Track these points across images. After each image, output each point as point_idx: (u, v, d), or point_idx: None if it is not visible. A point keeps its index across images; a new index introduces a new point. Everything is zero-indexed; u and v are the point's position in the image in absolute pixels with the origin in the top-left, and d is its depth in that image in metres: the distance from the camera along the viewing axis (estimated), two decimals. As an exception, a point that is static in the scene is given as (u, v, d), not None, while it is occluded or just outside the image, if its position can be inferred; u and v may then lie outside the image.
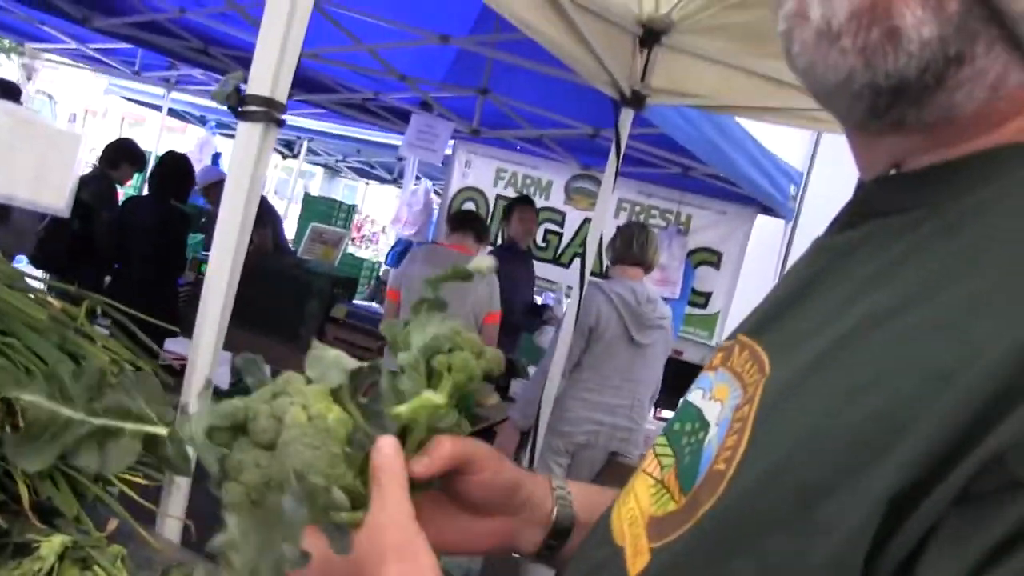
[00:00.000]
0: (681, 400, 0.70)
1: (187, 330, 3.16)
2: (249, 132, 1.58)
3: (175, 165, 5.12)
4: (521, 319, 5.23)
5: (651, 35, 3.35)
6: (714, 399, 0.63)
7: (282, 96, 1.62)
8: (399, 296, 4.29)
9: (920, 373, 0.45)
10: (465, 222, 4.40)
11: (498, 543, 0.80)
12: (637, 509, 0.64)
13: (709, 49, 3.36)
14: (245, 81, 1.63)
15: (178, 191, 5.05)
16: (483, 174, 7.22)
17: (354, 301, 6.07)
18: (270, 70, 1.58)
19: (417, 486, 0.69)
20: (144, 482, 1.54)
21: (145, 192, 5.20)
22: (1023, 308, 0.44)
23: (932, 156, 0.55)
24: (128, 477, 1.50)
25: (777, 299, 0.64)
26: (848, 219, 0.61)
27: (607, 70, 3.27)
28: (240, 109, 1.54)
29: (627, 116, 3.50)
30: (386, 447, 0.66)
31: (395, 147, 7.89)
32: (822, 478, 0.46)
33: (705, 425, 0.62)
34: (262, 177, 1.64)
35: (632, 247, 3.98)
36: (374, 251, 12.25)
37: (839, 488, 0.45)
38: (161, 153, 5.59)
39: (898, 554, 0.43)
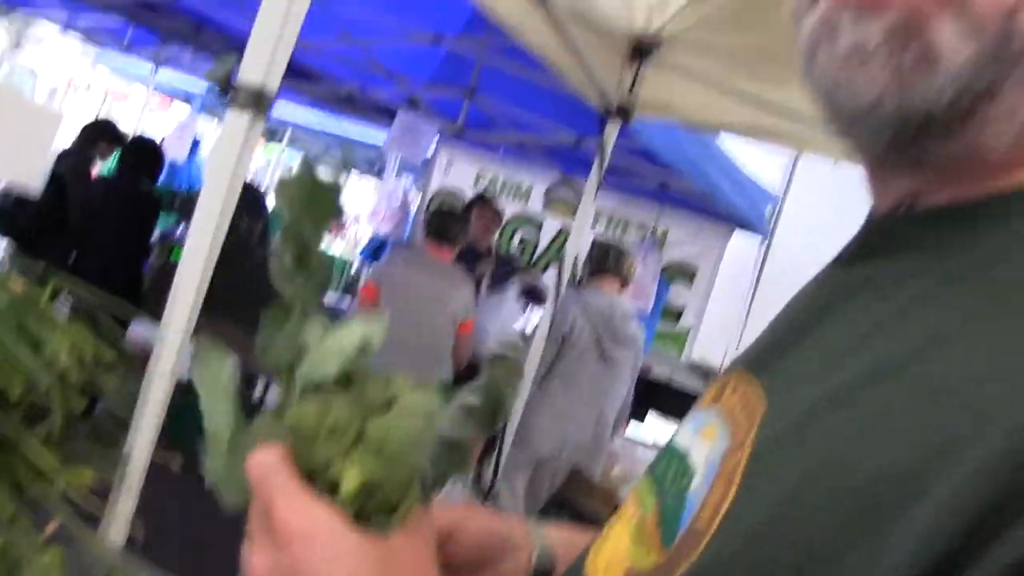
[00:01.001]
0: (670, 437, 0.65)
1: (152, 315, 3.10)
2: (236, 120, 1.56)
3: (143, 148, 5.14)
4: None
5: (641, 50, 3.35)
6: (704, 438, 0.59)
7: (272, 88, 1.59)
8: (377, 295, 4.20)
9: (927, 436, 0.41)
10: (441, 226, 4.32)
11: None
12: (615, 557, 0.60)
13: (697, 67, 3.36)
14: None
15: (149, 174, 5.04)
16: (464, 175, 7.18)
17: (328, 295, 6.00)
18: (263, 60, 1.55)
19: None
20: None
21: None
22: None
23: (948, 194, 0.51)
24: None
25: (781, 331, 0.59)
26: (857, 251, 0.57)
27: (595, 81, 3.26)
28: (228, 96, 1.52)
29: (613, 129, 3.49)
30: None
31: (377, 146, 7.84)
32: (820, 543, 0.42)
33: (691, 469, 0.57)
34: (246, 165, 1.61)
35: (608, 259, 3.98)
36: (346, 247, 11.93)
37: (843, 556, 0.41)
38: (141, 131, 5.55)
39: None
